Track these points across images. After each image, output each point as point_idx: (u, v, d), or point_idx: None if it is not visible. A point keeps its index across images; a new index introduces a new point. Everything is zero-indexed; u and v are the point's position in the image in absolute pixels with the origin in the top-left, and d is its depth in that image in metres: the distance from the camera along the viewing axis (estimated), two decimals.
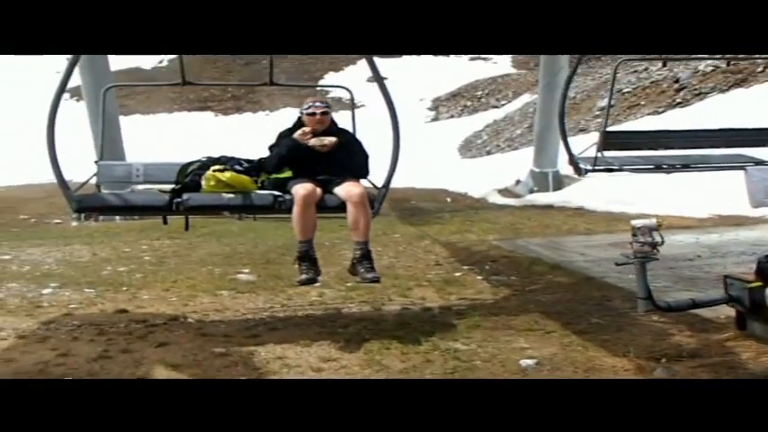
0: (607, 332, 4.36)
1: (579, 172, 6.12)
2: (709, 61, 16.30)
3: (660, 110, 15.98)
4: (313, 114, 4.47)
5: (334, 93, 11.58)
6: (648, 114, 15.88)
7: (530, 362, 3.80)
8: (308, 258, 4.24)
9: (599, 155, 5.91)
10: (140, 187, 5.10)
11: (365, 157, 4.53)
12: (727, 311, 4.30)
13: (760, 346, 3.75)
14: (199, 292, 5.65)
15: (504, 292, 5.56)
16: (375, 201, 4.34)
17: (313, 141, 4.37)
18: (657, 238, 3.74)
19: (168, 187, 4.47)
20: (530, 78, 23.85)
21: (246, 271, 6.44)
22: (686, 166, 6.21)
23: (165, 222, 4.70)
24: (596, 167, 5.95)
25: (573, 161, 6.10)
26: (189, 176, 4.47)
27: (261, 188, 4.45)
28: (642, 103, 16.91)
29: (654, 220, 3.75)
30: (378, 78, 4.42)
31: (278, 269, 6.43)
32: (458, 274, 6.23)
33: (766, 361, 3.59)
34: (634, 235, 3.78)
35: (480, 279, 6.04)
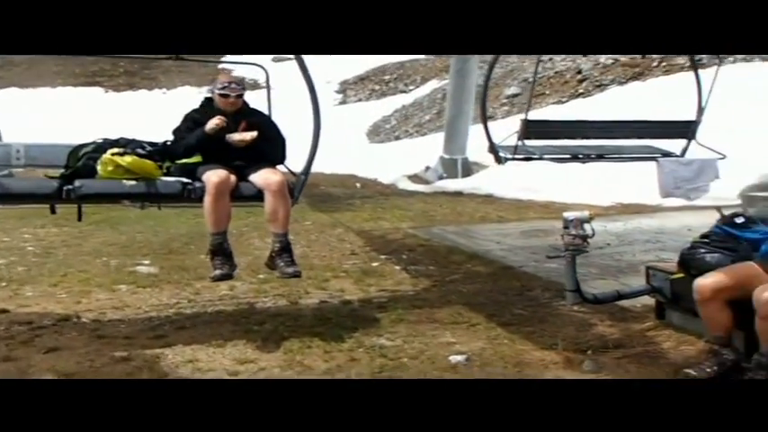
0: (531, 323, 4.29)
1: (499, 160, 6.05)
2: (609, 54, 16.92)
3: (564, 99, 16.37)
4: (226, 96, 4.09)
5: (239, 71, 10.98)
6: (553, 104, 16.22)
7: (459, 357, 3.65)
8: (222, 252, 3.89)
9: (520, 143, 5.85)
10: (20, 171, 4.54)
11: (282, 141, 4.21)
12: (645, 301, 4.34)
13: (680, 335, 3.78)
14: (93, 287, 5.13)
15: (425, 282, 5.40)
16: (294, 189, 4.03)
17: (235, 138, 3.98)
18: (589, 231, 3.66)
19: (56, 172, 3.98)
20: (438, 64, 23.87)
21: (147, 262, 5.94)
22: (601, 156, 6.27)
23: (53, 212, 4.18)
24: (516, 156, 5.89)
25: (493, 149, 6.01)
26: (81, 160, 3.97)
27: (166, 174, 4.04)
28: (547, 92, 17.28)
29: (586, 213, 3.67)
30: (299, 59, 4.08)
31: (182, 260, 5.99)
32: (375, 264, 6.01)
33: (686, 350, 3.62)
34: (566, 227, 3.69)
35: (399, 269, 5.85)
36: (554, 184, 10.19)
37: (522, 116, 6.09)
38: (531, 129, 6.01)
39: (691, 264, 3.58)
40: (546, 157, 6.03)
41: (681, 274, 3.69)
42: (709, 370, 3.13)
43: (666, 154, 6.18)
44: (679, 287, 3.74)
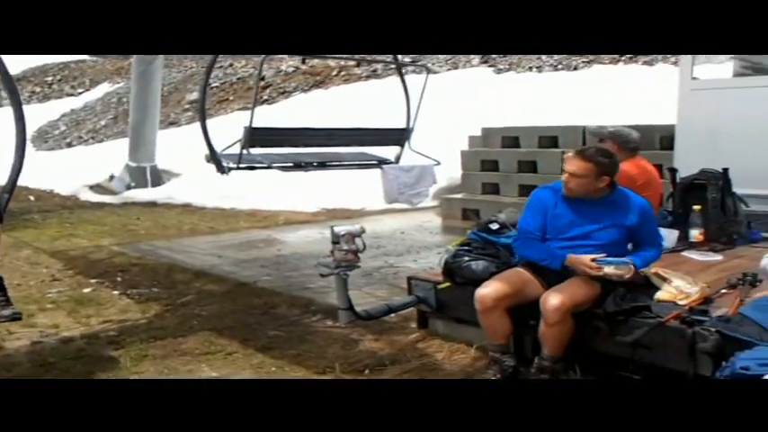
0: (292, 345, 4.01)
1: (222, 170, 5.60)
2: (290, 62, 17.29)
3: (249, 105, 16.30)
4: None
5: None
6: (238, 110, 16.01)
7: None
8: None
9: (245, 152, 5.49)
10: None
11: None
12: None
13: (449, 344, 3.82)
14: None
15: (155, 308, 4.75)
16: None
17: None
18: (360, 245, 3.52)
19: None
20: (108, 66, 22.01)
21: None
22: (323, 164, 6.24)
23: None
24: (240, 165, 5.52)
25: (215, 158, 5.55)
26: None
27: None
28: (231, 98, 17.02)
29: (358, 227, 3.52)
30: None
31: None
32: (87, 290, 5.13)
33: (460, 359, 3.69)
34: (336, 242, 3.49)
35: (117, 294, 5.06)
36: (255, 191, 9.99)
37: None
38: (255, 136, 5.71)
39: (456, 272, 3.66)
40: (274, 165, 5.78)
41: (447, 284, 3.76)
42: (492, 378, 3.21)
43: (383, 161, 6.40)
44: (444, 296, 3.81)
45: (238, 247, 6.90)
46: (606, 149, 3.39)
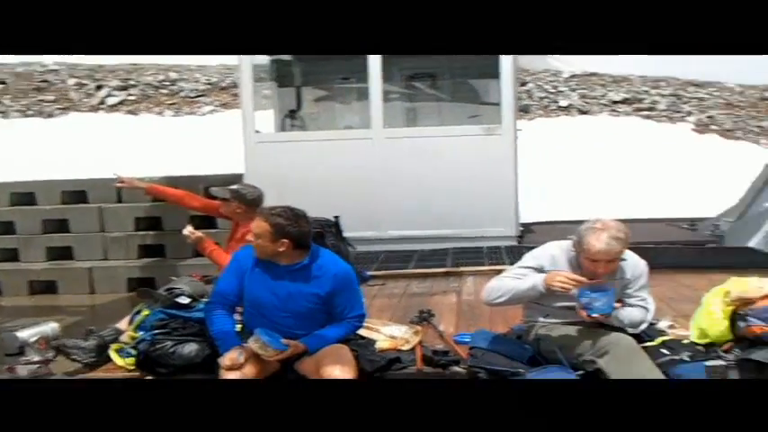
0: None
1: None
2: None
3: None
4: None
5: None
6: None
7: None
8: None
9: None
10: None
11: None
12: None
13: None
14: None
15: None
16: None
17: None
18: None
19: None
20: None
21: None
22: None
23: None
24: None
25: None
26: None
27: None
28: None
29: (54, 325, 2.51)
30: None
31: None
32: None
33: None
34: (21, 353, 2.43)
35: None
36: None
37: None
38: None
39: (166, 361, 2.97)
40: None
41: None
42: None
43: None
44: None
45: None
46: (290, 209, 2.91)
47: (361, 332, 3.24)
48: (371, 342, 3.22)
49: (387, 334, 3.34)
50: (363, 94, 6.59)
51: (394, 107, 7.24)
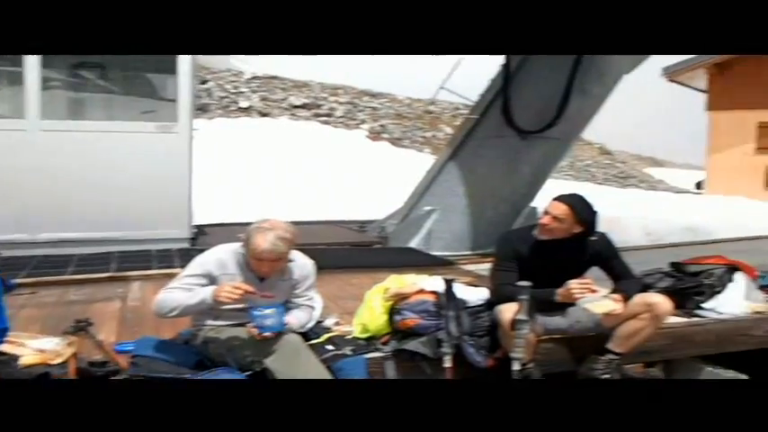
0: None
1: None
2: None
3: None
4: None
5: None
6: None
7: None
8: None
9: None
10: None
11: None
12: None
13: None
14: None
15: None
16: None
17: None
18: None
19: None
20: None
21: None
22: None
23: None
24: None
25: None
26: None
27: None
28: None
29: None
30: None
31: None
32: None
33: None
34: None
35: None
36: None
37: None
38: None
39: None
40: None
41: None
42: None
43: None
44: None
45: None
46: None
47: (4, 348, 2.84)
48: (14, 358, 2.81)
49: (34, 348, 2.93)
50: (17, 80, 5.76)
51: (55, 97, 6.45)
